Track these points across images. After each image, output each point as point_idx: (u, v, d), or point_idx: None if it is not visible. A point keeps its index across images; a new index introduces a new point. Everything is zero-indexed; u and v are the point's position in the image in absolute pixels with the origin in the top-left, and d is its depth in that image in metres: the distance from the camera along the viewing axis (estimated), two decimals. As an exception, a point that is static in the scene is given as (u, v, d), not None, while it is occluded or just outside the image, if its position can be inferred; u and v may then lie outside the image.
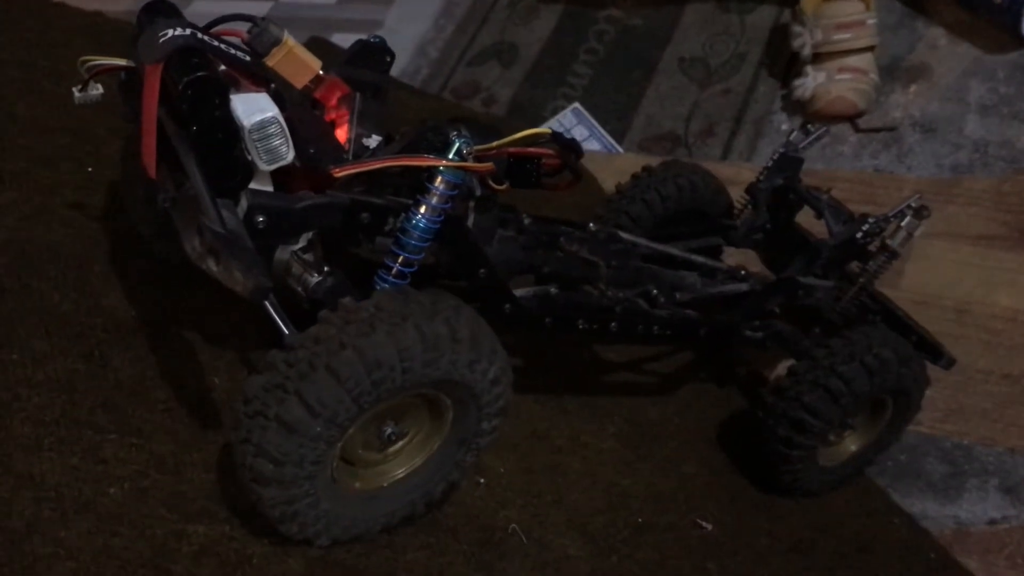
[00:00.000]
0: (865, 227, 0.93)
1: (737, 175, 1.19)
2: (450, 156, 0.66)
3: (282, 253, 0.66)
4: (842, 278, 0.95)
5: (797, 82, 1.32)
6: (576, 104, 1.43)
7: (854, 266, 0.95)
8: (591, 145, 1.38)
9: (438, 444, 0.67)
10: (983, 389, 1.03)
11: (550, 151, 0.74)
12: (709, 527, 0.86)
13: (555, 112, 1.43)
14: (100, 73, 0.66)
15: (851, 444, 0.92)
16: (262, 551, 0.64)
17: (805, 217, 1.02)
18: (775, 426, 0.86)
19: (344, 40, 1.57)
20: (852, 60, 1.30)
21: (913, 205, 0.91)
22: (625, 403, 0.96)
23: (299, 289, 0.66)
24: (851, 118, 1.31)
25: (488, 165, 0.69)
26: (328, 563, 0.65)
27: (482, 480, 0.78)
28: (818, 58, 1.31)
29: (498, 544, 0.73)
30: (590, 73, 1.47)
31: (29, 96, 0.94)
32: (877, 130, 1.29)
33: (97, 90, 0.67)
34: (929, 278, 1.13)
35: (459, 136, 0.67)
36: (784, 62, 1.40)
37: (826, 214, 0.96)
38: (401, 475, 0.67)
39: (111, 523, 0.62)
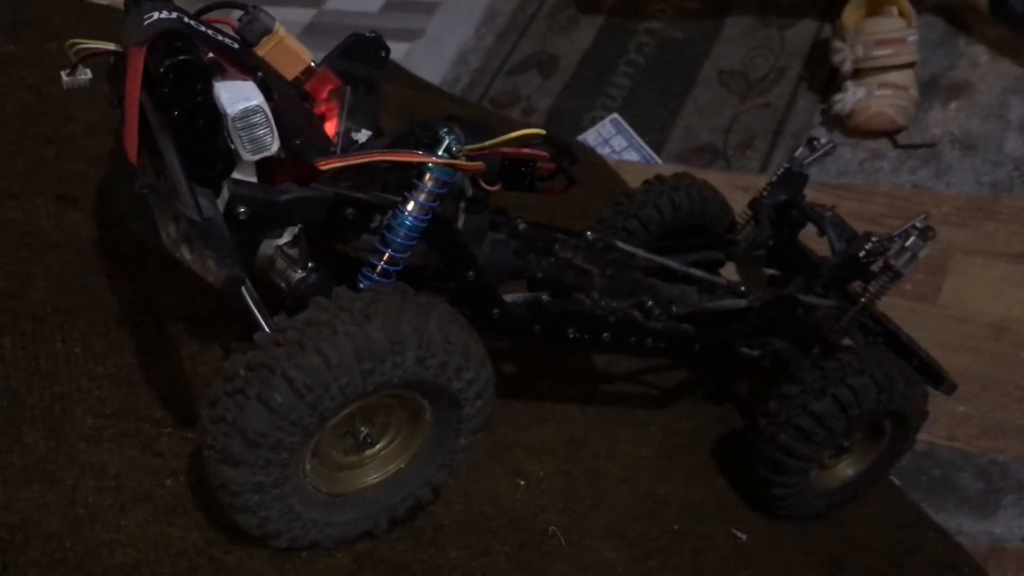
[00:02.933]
0: (868, 246, 0.90)
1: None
2: (439, 153, 0.65)
3: (266, 247, 0.65)
4: (844, 298, 0.92)
5: (837, 97, 1.33)
6: (615, 115, 1.44)
7: (856, 286, 0.93)
8: (629, 156, 1.39)
9: (410, 457, 0.66)
10: (1020, 407, 1.03)
11: (543, 153, 0.72)
12: (743, 538, 0.87)
13: (594, 122, 1.44)
14: (88, 57, 0.65)
15: (848, 468, 0.90)
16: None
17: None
18: (765, 450, 0.84)
19: (387, 48, 1.60)
20: (892, 76, 1.30)
21: (919, 225, 0.89)
22: (662, 413, 0.97)
23: (282, 285, 0.65)
24: (890, 134, 1.31)
25: (478, 164, 0.67)
26: (374, 559, 0.67)
27: (523, 483, 0.80)
28: (858, 73, 1.31)
29: (538, 546, 0.75)
30: (629, 84, 1.48)
31: (87, 98, 0.96)
32: (916, 146, 1.30)
33: (86, 75, 0.65)
34: (967, 295, 1.13)
35: (449, 133, 0.65)
36: (824, 77, 1.40)
37: (828, 232, 0.93)
38: (370, 483, 0.66)
39: (167, 513, 0.64)
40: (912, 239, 0.88)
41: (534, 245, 0.81)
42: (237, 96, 0.60)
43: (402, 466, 0.66)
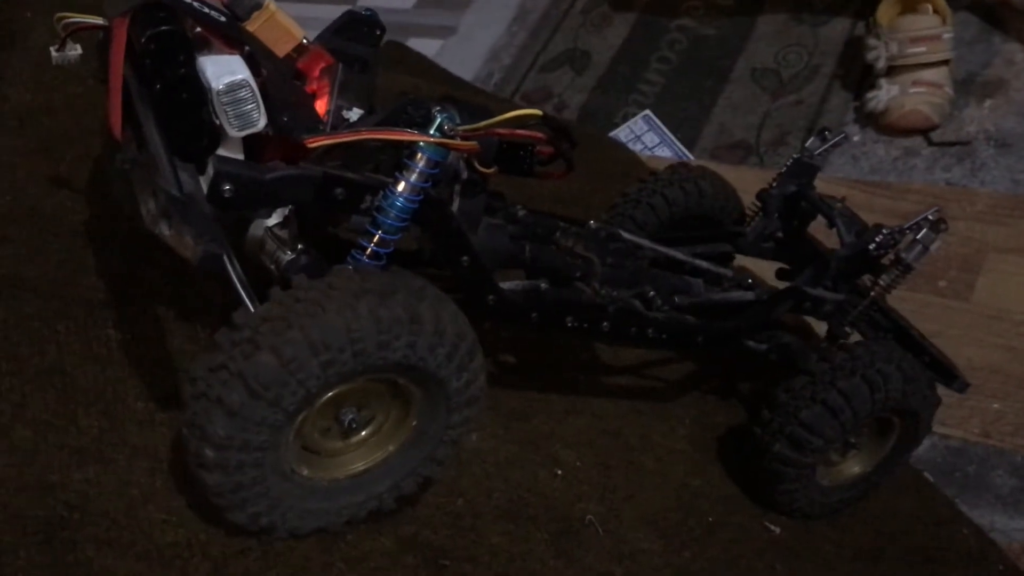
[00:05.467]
0: (878, 238, 0.87)
1: (808, 185, 1.20)
2: (431, 132, 0.62)
3: (256, 229, 0.64)
4: (854, 291, 0.90)
5: (870, 94, 1.33)
6: (647, 111, 1.45)
7: (866, 279, 0.90)
8: (662, 152, 1.40)
9: (405, 436, 0.64)
10: (1055, 405, 1.03)
11: (539, 135, 0.70)
12: (777, 530, 0.87)
13: (626, 119, 1.45)
14: (77, 31, 0.63)
15: (855, 465, 0.88)
16: (355, 528, 0.67)
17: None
18: (771, 443, 0.82)
19: (420, 45, 1.62)
20: (927, 74, 1.30)
21: (931, 218, 0.86)
22: (694, 408, 0.98)
23: (271, 267, 0.63)
24: (924, 131, 1.31)
25: (471, 144, 0.64)
26: (417, 543, 0.68)
27: (560, 472, 0.81)
28: (892, 71, 1.31)
29: (576, 534, 0.76)
30: (662, 81, 1.49)
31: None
32: (951, 144, 1.29)
33: (75, 50, 0.64)
34: (1001, 293, 1.13)
35: (441, 111, 0.63)
36: (857, 74, 1.40)
37: (838, 224, 0.90)
38: (363, 467, 0.64)
39: (217, 496, 0.65)
40: (924, 232, 0.85)
41: (534, 232, 0.79)
42: (222, 70, 0.58)
43: (393, 449, 0.64)
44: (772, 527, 0.87)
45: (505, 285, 0.74)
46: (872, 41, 1.33)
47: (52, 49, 0.64)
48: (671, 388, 0.99)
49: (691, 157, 1.37)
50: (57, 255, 0.76)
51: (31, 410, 0.65)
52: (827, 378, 0.80)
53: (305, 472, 0.62)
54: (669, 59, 1.51)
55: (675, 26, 1.54)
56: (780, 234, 0.97)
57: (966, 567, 0.92)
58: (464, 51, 1.62)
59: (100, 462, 0.64)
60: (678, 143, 1.40)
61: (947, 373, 0.93)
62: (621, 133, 1.44)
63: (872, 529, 0.93)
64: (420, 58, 1.54)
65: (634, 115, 1.45)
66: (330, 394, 0.59)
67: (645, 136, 1.42)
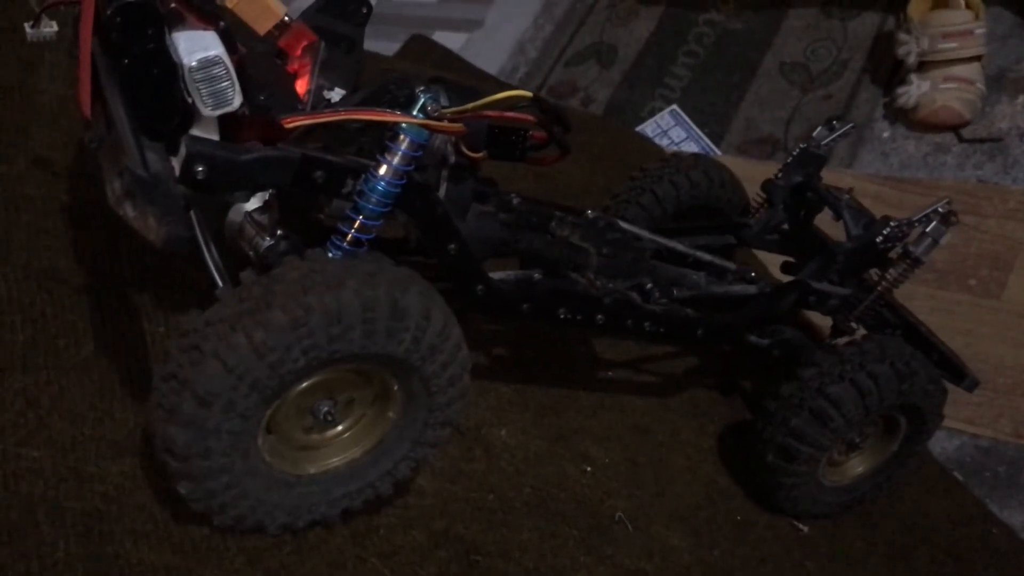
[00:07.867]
0: (886, 231, 0.85)
1: (838, 179, 1.19)
2: (414, 113, 0.60)
3: (235, 214, 0.62)
4: (860, 286, 0.88)
5: (901, 90, 1.32)
6: (674, 106, 1.44)
7: (873, 274, 0.88)
8: (688, 147, 1.39)
9: (381, 435, 0.62)
10: (1087, 405, 1.02)
11: (528, 117, 0.67)
12: (805, 529, 0.87)
13: (653, 113, 1.45)
14: (52, 7, 0.62)
15: (858, 465, 0.86)
16: (388, 522, 0.67)
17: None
18: (775, 436, 0.80)
19: (445, 38, 1.61)
20: (958, 69, 1.29)
21: (940, 210, 0.84)
22: (724, 403, 0.98)
23: (250, 252, 0.62)
24: (956, 128, 1.30)
25: (457, 126, 0.62)
26: (449, 537, 0.68)
27: (588, 468, 0.81)
28: (923, 66, 1.30)
29: (605, 530, 0.76)
30: (689, 75, 1.48)
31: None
32: (982, 140, 1.28)
33: (51, 27, 0.63)
34: (1033, 291, 1.12)
35: (425, 91, 0.61)
36: (887, 69, 1.39)
37: (845, 216, 0.88)
38: (336, 464, 0.62)
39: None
40: (933, 224, 0.83)
41: (527, 221, 0.76)
42: (195, 46, 0.56)
43: (363, 452, 0.63)
44: (800, 526, 0.87)
45: (496, 275, 0.72)
46: (903, 36, 1.31)
47: (27, 26, 0.63)
48: (701, 385, 0.99)
49: (718, 152, 1.37)
50: (93, 247, 0.77)
51: (68, 402, 0.66)
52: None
53: (270, 460, 0.60)
54: (696, 53, 1.50)
55: (702, 20, 1.53)
56: (786, 226, 0.94)
57: (996, 567, 0.92)
58: (490, 45, 1.62)
59: (136, 455, 0.64)
60: (705, 138, 1.39)
61: (956, 371, 0.91)
62: (648, 128, 1.43)
63: (901, 528, 0.92)
64: (445, 52, 1.54)
65: (661, 110, 1.44)
66: (300, 388, 0.57)
67: (672, 131, 1.42)
